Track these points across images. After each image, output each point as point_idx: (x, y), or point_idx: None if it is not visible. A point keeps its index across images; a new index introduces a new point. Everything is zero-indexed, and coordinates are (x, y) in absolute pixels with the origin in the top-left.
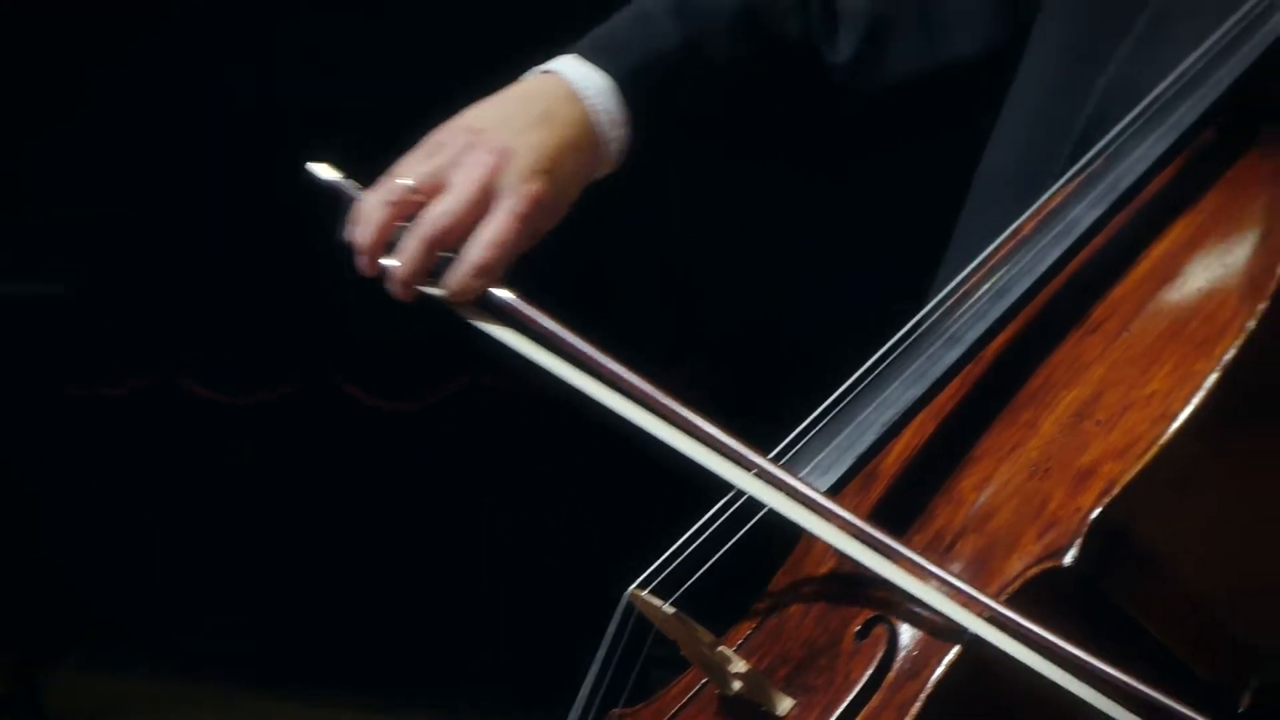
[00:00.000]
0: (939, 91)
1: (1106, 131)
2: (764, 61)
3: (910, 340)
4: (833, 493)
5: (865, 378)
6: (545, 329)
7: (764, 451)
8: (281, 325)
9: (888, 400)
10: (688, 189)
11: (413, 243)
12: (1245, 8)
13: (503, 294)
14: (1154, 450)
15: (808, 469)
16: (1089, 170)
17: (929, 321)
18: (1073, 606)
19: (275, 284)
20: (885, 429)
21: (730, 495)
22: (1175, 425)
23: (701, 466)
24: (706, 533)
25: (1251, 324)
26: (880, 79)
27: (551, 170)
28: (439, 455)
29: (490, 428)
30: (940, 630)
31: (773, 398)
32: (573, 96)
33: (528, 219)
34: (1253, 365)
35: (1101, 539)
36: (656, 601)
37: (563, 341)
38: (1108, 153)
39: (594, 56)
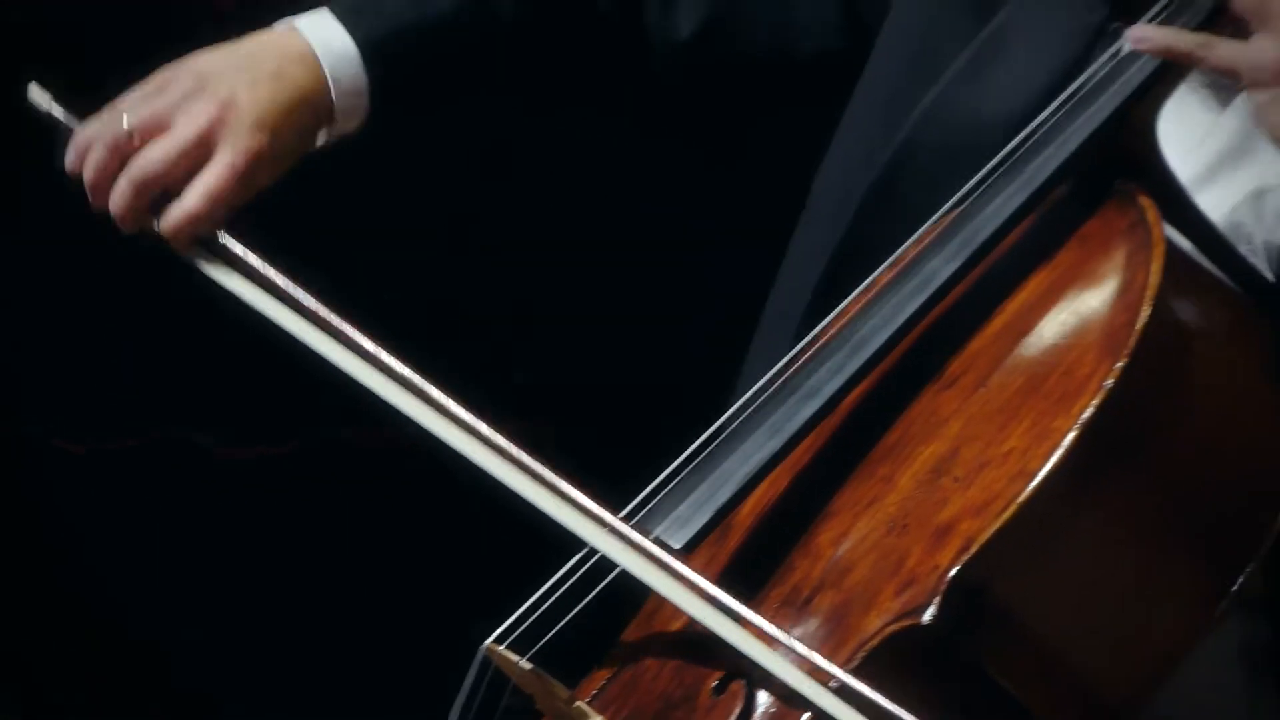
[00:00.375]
0: (782, 95)
1: (930, 147)
2: (561, 34)
3: (768, 392)
4: (689, 548)
5: (723, 430)
6: (268, 279)
7: (618, 506)
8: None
9: (745, 453)
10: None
11: (123, 183)
12: (1096, 64)
13: (226, 240)
14: (1012, 509)
15: (665, 523)
16: (946, 222)
17: (787, 373)
18: (931, 664)
19: (125, 327)
20: (743, 483)
21: (585, 552)
22: (1033, 484)
23: (550, 519)
24: (562, 588)
25: (1110, 382)
26: (722, 60)
27: (275, 127)
28: (292, 506)
29: (348, 480)
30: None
31: (632, 447)
32: (307, 58)
33: (244, 174)
34: (1113, 421)
35: (960, 597)
36: (513, 656)
37: (288, 294)
38: (964, 205)
39: (345, 16)
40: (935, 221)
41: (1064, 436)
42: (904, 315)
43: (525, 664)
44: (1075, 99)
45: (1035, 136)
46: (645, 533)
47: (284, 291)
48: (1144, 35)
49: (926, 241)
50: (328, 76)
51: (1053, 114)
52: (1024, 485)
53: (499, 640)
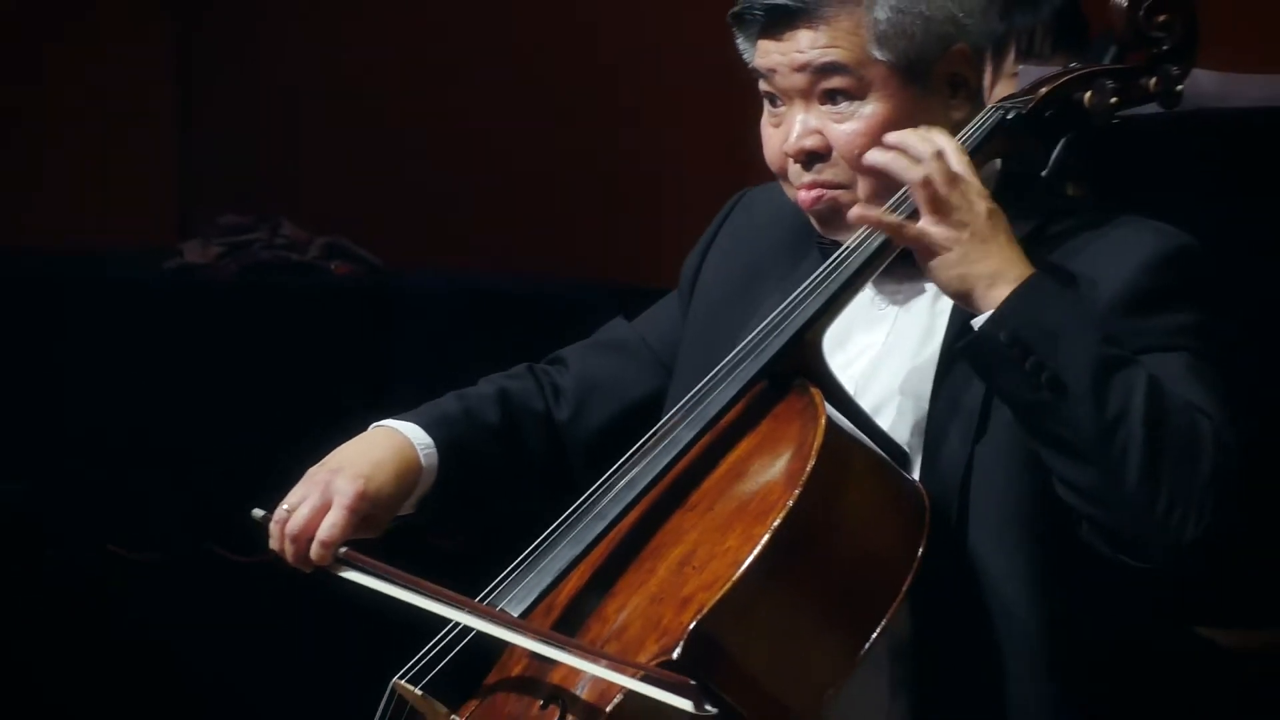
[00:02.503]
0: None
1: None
2: (518, 432)
3: (575, 514)
4: (524, 615)
5: (546, 540)
6: (383, 570)
7: (476, 592)
8: None
9: (559, 555)
10: None
11: (286, 541)
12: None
13: (346, 551)
14: (729, 584)
15: (505, 601)
16: (687, 404)
17: (588, 502)
18: None
19: None
20: (555, 575)
21: (458, 622)
22: (743, 567)
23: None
24: (443, 642)
25: (790, 502)
26: (590, 428)
27: (369, 474)
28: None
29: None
30: (597, 690)
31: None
32: (393, 430)
33: (354, 509)
34: (791, 529)
35: (697, 641)
36: (411, 687)
37: (396, 575)
38: (700, 393)
39: (410, 414)
40: (681, 404)
41: (761, 538)
42: (661, 464)
43: (419, 692)
44: (771, 324)
45: (746, 348)
46: (493, 606)
47: (391, 574)
48: (862, 213)
49: (675, 417)
50: (403, 437)
51: (755, 334)
52: (737, 569)
53: (402, 677)
